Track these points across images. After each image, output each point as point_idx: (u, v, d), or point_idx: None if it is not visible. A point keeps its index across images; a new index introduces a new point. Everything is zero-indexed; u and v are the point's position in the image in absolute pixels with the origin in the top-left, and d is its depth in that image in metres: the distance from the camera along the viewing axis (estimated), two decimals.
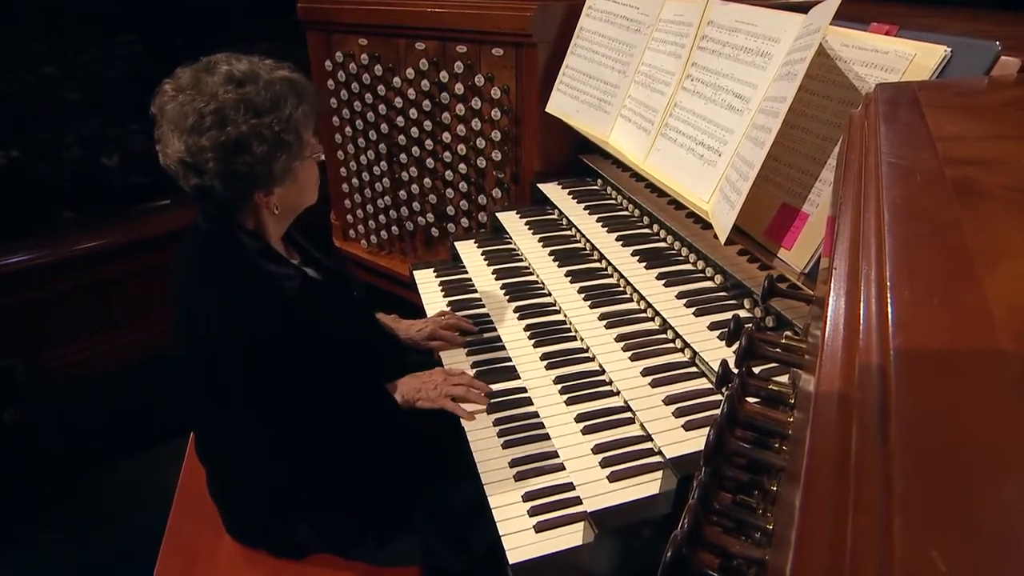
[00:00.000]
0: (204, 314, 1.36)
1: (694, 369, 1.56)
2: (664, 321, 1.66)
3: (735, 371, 0.81)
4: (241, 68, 1.31)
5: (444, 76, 2.35)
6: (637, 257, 1.88)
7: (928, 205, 0.61)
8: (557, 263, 2.01)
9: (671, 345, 1.64)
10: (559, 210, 2.23)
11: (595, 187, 2.35)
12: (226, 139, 1.27)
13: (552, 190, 2.32)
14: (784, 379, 0.86)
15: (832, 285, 0.59)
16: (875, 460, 0.38)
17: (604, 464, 1.39)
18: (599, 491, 1.33)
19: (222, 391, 1.40)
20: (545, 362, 1.70)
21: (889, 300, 0.48)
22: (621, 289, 1.87)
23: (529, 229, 2.21)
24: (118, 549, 2.39)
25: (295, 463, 1.47)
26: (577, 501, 1.33)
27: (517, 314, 1.88)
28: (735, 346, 0.82)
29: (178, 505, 1.77)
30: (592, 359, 1.68)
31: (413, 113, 2.50)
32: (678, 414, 1.42)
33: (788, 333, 0.83)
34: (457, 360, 1.78)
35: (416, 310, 2.10)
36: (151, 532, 1.71)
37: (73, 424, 3.00)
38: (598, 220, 2.10)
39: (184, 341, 1.42)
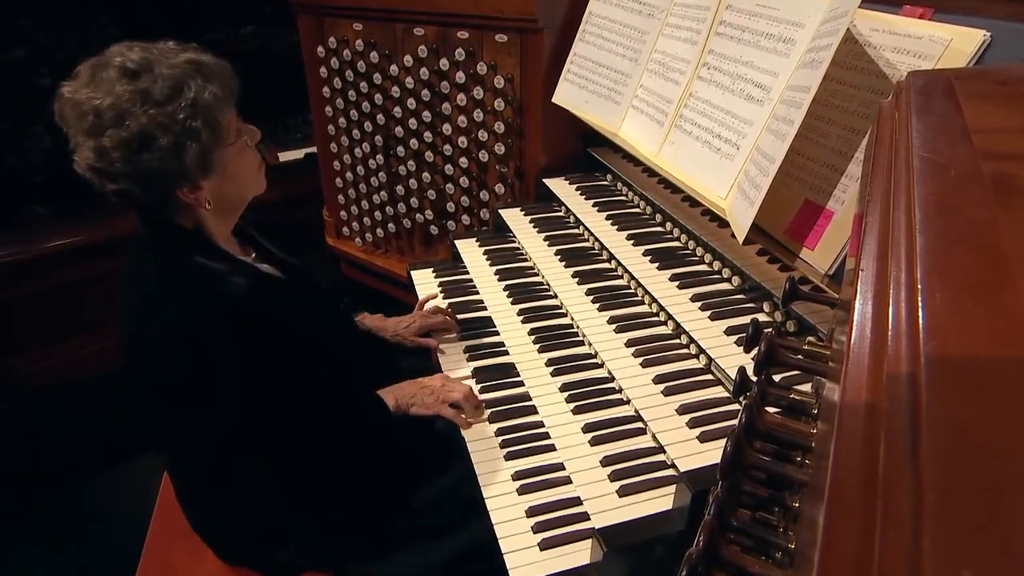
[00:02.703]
0: (148, 327, 1.33)
1: (710, 377, 1.56)
2: (678, 325, 1.66)
3: (754, 379, 0.81)
4: (134, 58, 1.28)
5: (444, 64, 2.36)
6: (649, 257, 1.88)
7: (963, 203, 0.61)
8: (564, 263, 2.01)
9: (685, 351, 1.64)
10: (566, 207, 2.24)
11: (604, 182, 2.35)
12: (128, 136, 1.24)
13: (558, 186, 2.32)
14: (807, 388, 0.86)
15: (859, 288, 0.59)
16: (904, 474, 0.38)
17: (613, 477, 1.39)
18: (608, 506, 1.33)
19: (181, 405, 1.38)
20: (551, 368, 1.70)
21: (920, 304, 0.48)
22: (632, 291, 1.87)
23: (534, 227, 2.21)
24: (94, 565, 2.39)
25: (276, 476, 1.47)
26: (584, 517, 1.33)
27: (521, 317, 1.89)
28: (754, 352, 0.82)
29: (157, 519, 1.77)
30: (601, 365, 1.69)
31: (411, 103, 2.50)
32: (693, 424, 1.42)
33: (811, 339, 0.83)
34: (458, 365, 1.79)
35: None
36: (129, 547, 1.71)
37: (47, 433, 3.00)
38: (607, 218, 2.10)
39: (131, 358, 1.40)
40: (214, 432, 1.38)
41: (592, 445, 1.47)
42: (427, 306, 1.98)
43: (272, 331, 1.41)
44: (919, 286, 0.50)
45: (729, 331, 1.58)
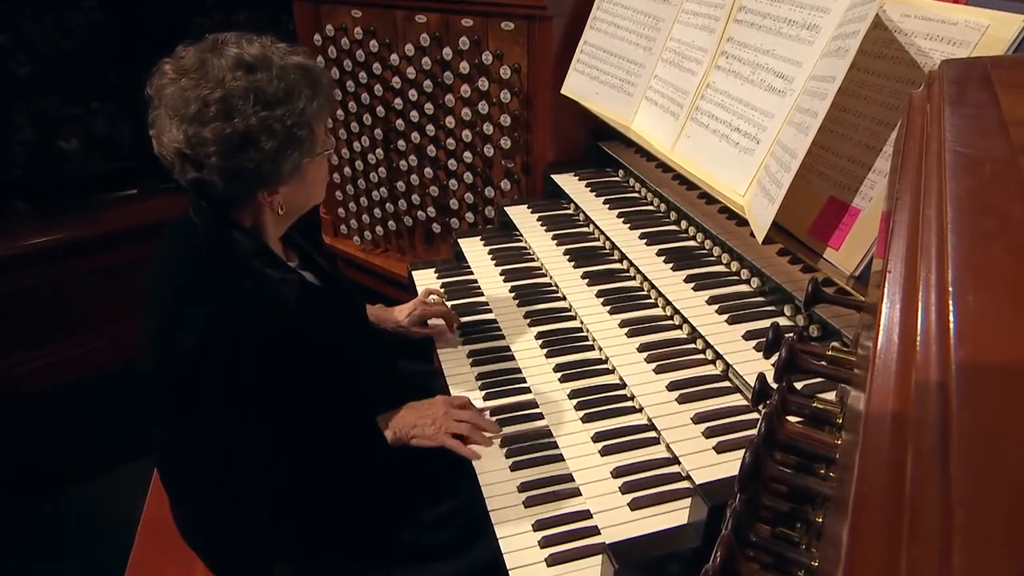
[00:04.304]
0: (185, 320, 1.35)
1: (727, 384, 1.56)
2: (693, 329, 1.65)
3: (774, 386, 0.81)
4: (252, 52, 1.32)
5: (447, 53, 2.36)
6: (663, 257, 1.88)
7: (999, 200, 0.61)
8: (573, 263, 2.01)
9: (701, 356, 1.64)
10: (575, 204, 2.24)
11: (616, 178, 2.35)
12: (232, 132, 1.27)
13: (567, 181, 2.32)
14: (831, 396, 0.86)
15: (886, 290, 0.59)
16: (933, 489, 0.38)
17: (625, 490, 1.39)
18: (619, 520, 1.33)
19: (195, 407, 1.40)
20: (559, 374, 1.70)
21: (951, 307, 0.48)
22: (645, 293, 1.87)
23: (541, 225, 2.22)
24: None
25: (273, 494, 1.47)
26: (594, 531, 1.33)
27: (528, 320, 1.89)
28: (774, 358, 0.82)
29: (143, 533, 1.77)
30: (612, 371, 1.68)
31: (413, 94, 2.51)
32: (709, 434, 1.42)
33: (835, 344, 0.83)
34: (461, 370, 1.79)
35: None
36: (113, 564, 1.72)
37: (29, 440, 3.01)
38: (619, 215, 2.10)
39: (156, 352, 1.42)
40: (225, 442, 1.39)
41: (602, 455, 1.47)
42: (430, 298, 1.99)
43: (306, 344, 1.44)
44: (950, 288, 0.50)
45: (748, 336, 1.57)
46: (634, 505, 1.35)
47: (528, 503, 1.40)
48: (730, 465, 1.34)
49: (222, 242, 1.40)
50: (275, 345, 1.37)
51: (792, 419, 0.76)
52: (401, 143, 2.65)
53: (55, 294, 3.08)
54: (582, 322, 1.82)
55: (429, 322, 1.94)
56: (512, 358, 1.79)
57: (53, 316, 3.10)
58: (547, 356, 1.77)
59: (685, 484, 1.38)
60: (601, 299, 1.85)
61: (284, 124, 1.31)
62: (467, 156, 2.48)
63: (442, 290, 2.07)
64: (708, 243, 1.90)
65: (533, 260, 2.14)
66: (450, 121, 2.47)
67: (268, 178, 1.36)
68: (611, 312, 1.80)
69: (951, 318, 0.47)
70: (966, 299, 0.49)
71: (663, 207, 2.11)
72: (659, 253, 1.90)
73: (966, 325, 0.47)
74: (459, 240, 2.28)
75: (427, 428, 1.57)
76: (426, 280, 2.17)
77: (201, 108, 1.27)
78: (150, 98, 1.33)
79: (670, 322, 1.76)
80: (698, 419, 1.46)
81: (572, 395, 1.64)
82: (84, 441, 2.95)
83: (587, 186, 2.28)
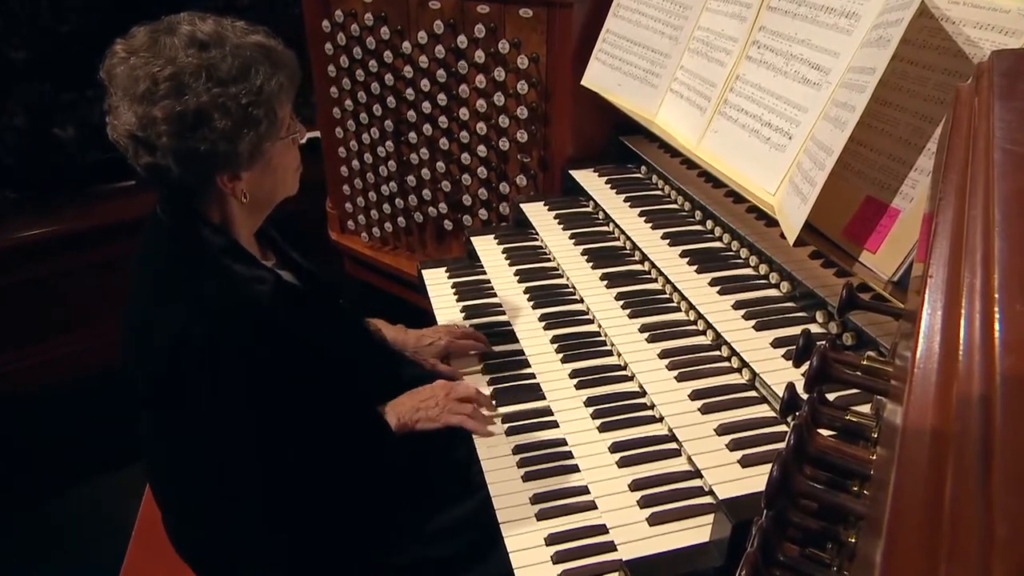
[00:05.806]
0: (156, 322, 1.37)
1: (753, 393, 1.55)
2: (718, 335, 1.65)
3: (804, 397, 0.80)
4: (206, 30, 1.33)
5: (462, 41, 2.37)
6: (687, 259, 1.87)
7: None
8: (591, 264, 2.01)
9: (726, 364, 1.63)
10: (594, 201, 2.24)
11: (638, 175, 2.34)
12: (183, 110, 1.28)
13: (587, 178, 2.32)
14: (865, 408, 0.86)
15: (927, 296, 0.58)
16: (974, 507, 0.38)
17: (643, 504, 1.39)
18: (637, 536, 1.33)
19: (175, 416, 1.40)
20: (575, 380, 1.70)
21: (997, 315, 0.48)
22: (667, 296, 1.87)
23: (559, 223, 2.22)
24: None
25: (271, 497, 1.48)
26: (611, 547, 1.33)
27: (543, 323, 1.89)
28: (804, 367, 0.82)
29: (136, 540, 1.79)
30: (631, 378, 1.68)
31: (425, 84, 2.52)
32: (733, 447, 1.41)
33: (871, 353, 0.82)
34: (472, 376, 1.80)
35: (423, 315, 2.11)
36: (112, 565, 1.73)
37: (17, 444, 3.04)
38: (641, 214, 2.10)
39: (134, 356, 1.43)
40: (211, 448, 1.40)
41: (620, 467, 1.47)
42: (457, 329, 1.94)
43: (287, 346, 1.44)
44: (996, 295, 0.49)
45: (776, 343, 1.57)
46: (653, 520, 1.35)
47: (541, 516, 1.40)
48: (756, 480, 1.33)
49: (190, 238, 1.40)
50: (253, 345, 1.38)
51: (823, 432, 0.75)
52: (412, 136, 2.66)
53: (50, 289, 3.10)
54: (600, 326, 1.82)
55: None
56: (526, 363, 1.80)
57: (48, 312, 3.13)
58: (563, 361, 1.77)
59: (707, 499, 1.38)
60: (620, 302, 1.85)
61: (238, 102, 1.31)
62: (481, 150, 2.49)
63: (463, 314, 2.03)
64: (735, 244, 1.90)
65: (549, 260, 2.15)
66: (464, 113, 2.48)
67: (225, 161, 1.35)
68: (631, 316, 1.80)
69: (996, 327, 0.47)
70: (1013, 307, 0.48)
71: (688, 206, 2.11)
72: (683, 254, 1.89)
73: (1013, 334, 0.46)
74: (472, 238, 2.28)
75: (431, 410, 1.61)
76: (437, 279, 2.17)
77: (151, 86, 1.27)
78: (103, 81, 1.33)
79: (693, 327, 1.75)
80: (722, 430, 1.45)
81: (588, 402, 1.64)
82: (75, 444, 2.98)
83: (607, 183, 2.28)
